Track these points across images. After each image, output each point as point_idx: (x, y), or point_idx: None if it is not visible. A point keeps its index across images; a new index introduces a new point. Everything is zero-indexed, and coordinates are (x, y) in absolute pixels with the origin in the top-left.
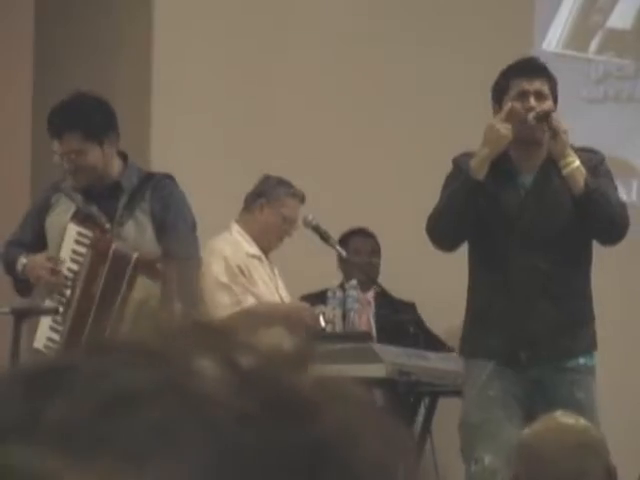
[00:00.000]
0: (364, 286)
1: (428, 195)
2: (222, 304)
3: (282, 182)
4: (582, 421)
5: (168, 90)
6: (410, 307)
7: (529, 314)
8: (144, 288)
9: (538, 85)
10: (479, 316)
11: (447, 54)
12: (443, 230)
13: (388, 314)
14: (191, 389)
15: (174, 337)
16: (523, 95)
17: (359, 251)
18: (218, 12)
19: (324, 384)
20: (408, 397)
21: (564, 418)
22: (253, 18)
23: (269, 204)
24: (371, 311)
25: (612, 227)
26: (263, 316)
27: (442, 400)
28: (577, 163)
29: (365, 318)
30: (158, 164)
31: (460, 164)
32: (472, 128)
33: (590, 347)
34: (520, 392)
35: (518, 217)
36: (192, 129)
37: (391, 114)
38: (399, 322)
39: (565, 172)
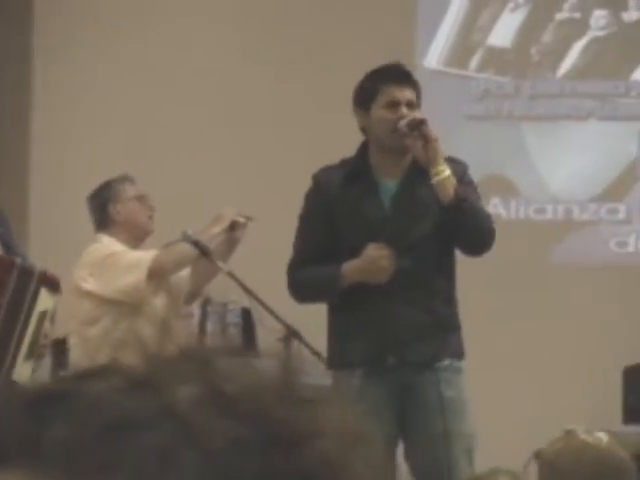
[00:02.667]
0: (188, 299)
1: (264, 206)
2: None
3: (105, 184)
4: (605, 439)
5: (49, 120)
6: (246, 314)
7: (395, 320)
8: (45, 300)
9: (409, 94)
10: (343, 324)
11: (328, 70)
12: (303, 300)
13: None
14: (185, 417)
15: (160, 365)
16: (394, 104)
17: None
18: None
19: (311, 414)
20: None
21: (585, 435)
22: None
23: (116, 202)
24: (194, 323)
25: (479, 237)
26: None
27: None
28: (448, 172)
29: (188, 331)
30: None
31: (320, 183)
32: (351, 143)
33: (457, 355)
34: (390, 398)
35: (382, 224)
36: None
37: (268, 132)
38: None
39: (435, 180)
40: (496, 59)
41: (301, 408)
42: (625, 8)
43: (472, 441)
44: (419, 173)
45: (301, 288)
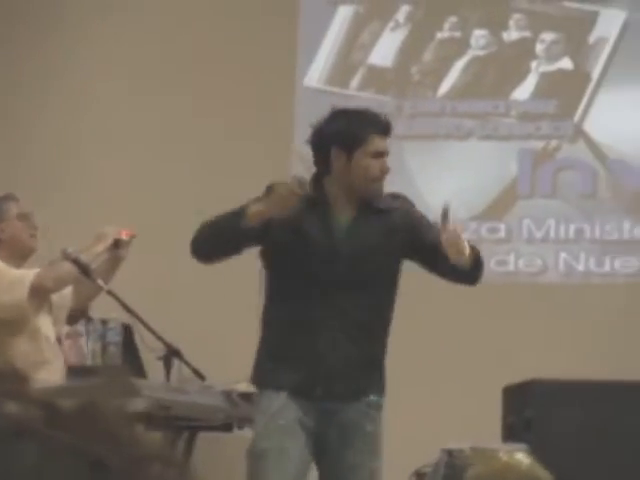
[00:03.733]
0: (72, 318)
1: (145, 225)
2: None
3: None
4: (526, 460)
5: None
6: (127, 330)
7: (329, 352)
8: None
9: (387, 145)
10: (275, 350)
11: (212, 89)
12: (206, 252)
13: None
14: (41, 435)
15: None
16: (378, 154)
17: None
18: None
19: (144, 437)
20: (167, 432)
21: (507, 458)
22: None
23: (1, 220)
24: (83, 341)
25: (480, 275)
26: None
27: (202, 435)
28: (467, 250)
29: (75, 350)
30: None
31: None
32: (241, 163)
33: (381, 391)
34: (312, 422)
35: (329, 258)
36: None
37: (162, 154)
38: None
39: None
40: (377, 78)
41: (136, 431)
42: (505, 28)
43: (380, 475)
44: (370, 211)
45: (206, 231)
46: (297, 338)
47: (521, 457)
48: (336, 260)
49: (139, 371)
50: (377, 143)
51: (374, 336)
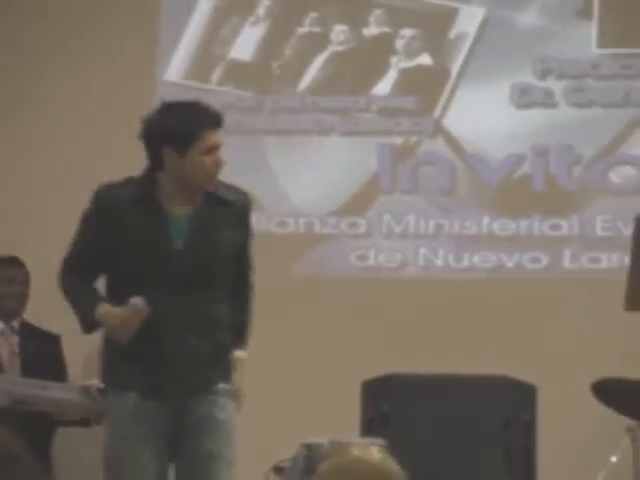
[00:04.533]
0: (9, 316)
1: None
2: None
3: None
4: (377, 454)
5: None
6: (55, 339)
7: (178, 349)
8: None
9: (219, 137)
10: (122, 350)
11: (68, 82)
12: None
13: (33, 346)
14: None
15: None
16: (212, 149)
17: (12, 280)
18: None
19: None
20: (23, 427)
21: (359, 452)
22: None
23: None
24: (15, 342)
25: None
26: None
27: (62, 430)
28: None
29: (7, 349)
30: None
31: (101, 199)
32: (100, 160)
33: (229, 379)
34: (165, 422)
35: (166, 254)
36: None
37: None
38: (44, 355)
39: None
40: (237, 73)
41: None
42: (365, 24)
43: (235, 465)
44: (211, 207)
45: (65, 294)
46: (143, 337)
47: (373, 451)
48: (174, 255)
49: (60, 373)
50: (210, 138)
51: (221, 327)
